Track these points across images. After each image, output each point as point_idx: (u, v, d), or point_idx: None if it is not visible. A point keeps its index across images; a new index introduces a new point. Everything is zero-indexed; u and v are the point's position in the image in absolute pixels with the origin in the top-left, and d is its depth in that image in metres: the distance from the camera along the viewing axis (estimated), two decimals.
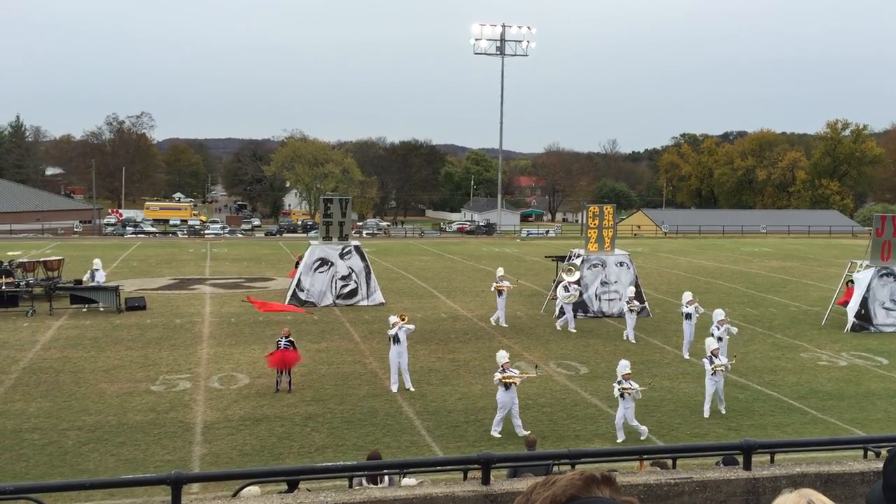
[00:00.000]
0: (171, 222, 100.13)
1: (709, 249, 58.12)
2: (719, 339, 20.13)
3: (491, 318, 26.99)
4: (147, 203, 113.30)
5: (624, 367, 15.69)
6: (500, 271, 27.95)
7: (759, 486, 6.12)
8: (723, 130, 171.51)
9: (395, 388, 18.57)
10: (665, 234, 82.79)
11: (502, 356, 16.00)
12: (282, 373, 18.40)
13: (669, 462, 8.79)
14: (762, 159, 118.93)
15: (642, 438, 15.64)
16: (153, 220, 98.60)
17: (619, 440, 15.54)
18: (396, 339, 18.65)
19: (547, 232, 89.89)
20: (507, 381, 15.60)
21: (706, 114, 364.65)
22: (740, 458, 6.58)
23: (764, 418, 17.08)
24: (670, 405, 17.88)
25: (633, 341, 24.32)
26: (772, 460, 7.76)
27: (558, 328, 26.05)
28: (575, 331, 25.62)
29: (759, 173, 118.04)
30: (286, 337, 18.62)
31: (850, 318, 26.65)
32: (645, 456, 9.32)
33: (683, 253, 54.56)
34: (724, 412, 17.29)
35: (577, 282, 26.82)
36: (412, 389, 18.60)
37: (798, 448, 9.86)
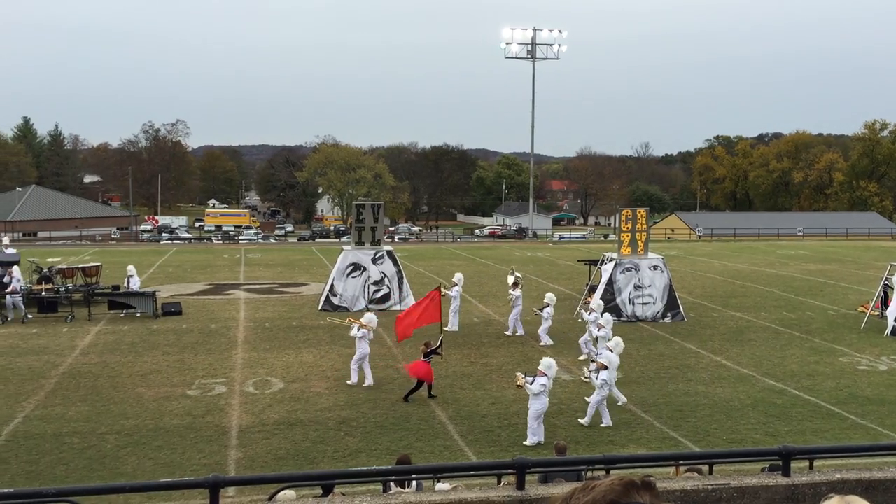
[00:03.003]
0: (205, 228, 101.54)
1: (744, 253, 57.43)
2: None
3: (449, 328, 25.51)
4: (207, 210, 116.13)
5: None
6: (458, 276, 27.31)
7: (799, 493, 6.03)
8: (757, 132, 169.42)
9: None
10: (699, 237, 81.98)
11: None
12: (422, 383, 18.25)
13: (705, 468, 8.69)
14: (798, 161, 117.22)
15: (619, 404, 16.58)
16: (215, 226, 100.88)
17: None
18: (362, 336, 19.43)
19: (607, 236, 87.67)
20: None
21: (740, 116, 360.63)
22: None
23: (802, 424, 16.82)
24: (706, 410, 17.68)
25: (545, 343, 23.95)
26: (810, 466, 7.64)
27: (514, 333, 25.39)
28: (521, 334, 25.32)
29: (795, 175, 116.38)
30: (427, 349, 18.48)
31: (890, 322, 26.13)
32: (681, 462, 9.22)
33: (718, 256, 53.97)
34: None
35: (515, 285, 26.02)
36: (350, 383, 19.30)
37: (838, 454, 9.70)
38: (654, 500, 1.68)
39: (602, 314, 21.59)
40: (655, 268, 28.51)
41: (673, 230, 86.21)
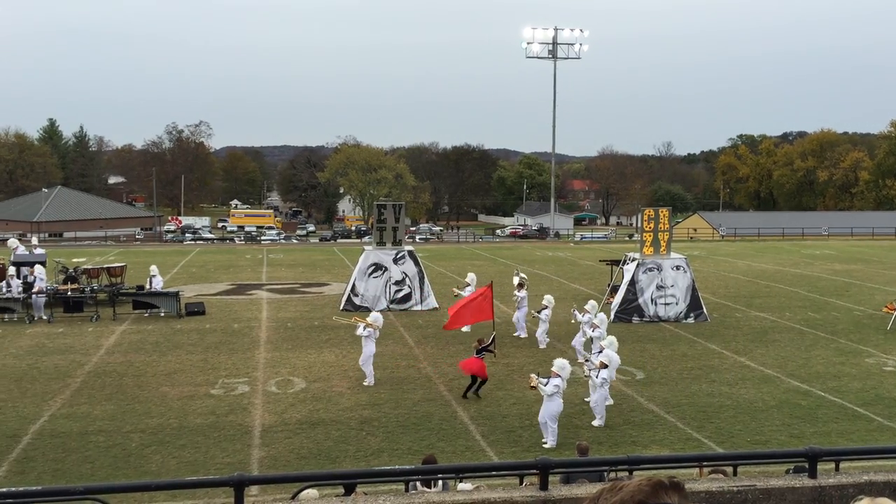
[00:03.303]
0: (228, 229, 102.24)
1: (768, 252, 56.93)
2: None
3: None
4: (233, 210, 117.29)
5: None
6: (471, 276, 27.24)
7: (826, 495, 5.97)
8: (781, 131, 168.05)
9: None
10: (722, 237, 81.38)
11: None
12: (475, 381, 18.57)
13: (730, 469, 8.62)
14: (823, 160, 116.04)
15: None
16: (238, 226, 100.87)
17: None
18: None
19: (632, 236, 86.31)
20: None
21: (764, 114, 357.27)
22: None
23: (828, 425, 16.64)
24: (730, 411, 17.54)
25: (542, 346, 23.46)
26: (837, 468, 7.56)
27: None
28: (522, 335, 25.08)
29: (820, 174, 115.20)
30: (480, 346, 18.96)
31: None
32: (705, 463, 9.15)
33: (742, 256, 53.53)
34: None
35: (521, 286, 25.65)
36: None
37: (865, 456, 9.59)
38: (683, 501, 1.68)
39: (596, 314, 21.37)
40: (678, 268, 28.32)
41: (696, 230, 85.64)
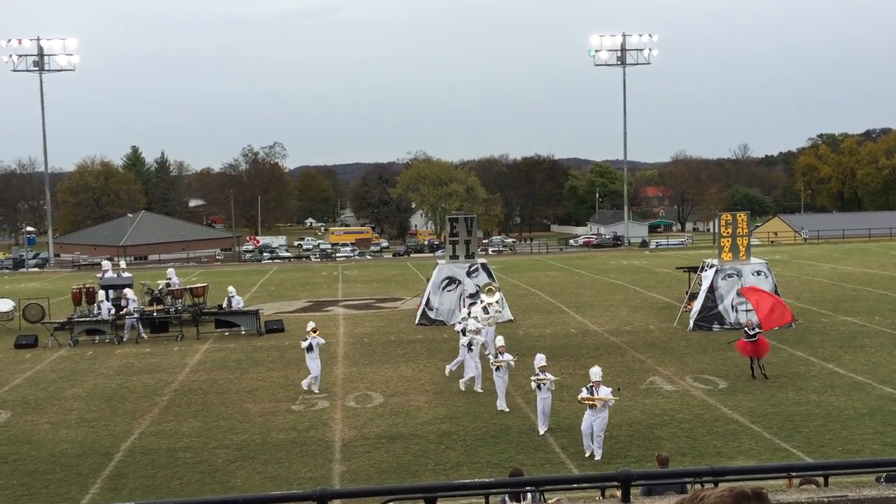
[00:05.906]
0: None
1: (854, 254, 54.91)
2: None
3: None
4: (332, 229, 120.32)
5: (540, 359, 16.79)
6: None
7: None
8: (864, 129, 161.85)
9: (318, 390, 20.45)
10: (805, 239, 78.92)
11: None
12: (753, 361, 20.62)
13: (820, 480, 8.34)
14: None
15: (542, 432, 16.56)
16: (340, 244, 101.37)
17: (541, 432, 16.58)
18: (310, 348, 20.55)
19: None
20: (589, 402, 15.39)
21: (844, 112, 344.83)
22: None
23: None
24: (819, 420, 16.96)
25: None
26: None
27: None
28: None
29: None
30: (751, 328, 21.11)
31: None
32: (793, 473, 8.87)
33: (826, 259, 51.78)
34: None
35: (497, 301, 24.41)
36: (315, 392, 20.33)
37: None
38: None
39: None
40: (759, 273, 27.58)
41: (776, 233, 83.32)
